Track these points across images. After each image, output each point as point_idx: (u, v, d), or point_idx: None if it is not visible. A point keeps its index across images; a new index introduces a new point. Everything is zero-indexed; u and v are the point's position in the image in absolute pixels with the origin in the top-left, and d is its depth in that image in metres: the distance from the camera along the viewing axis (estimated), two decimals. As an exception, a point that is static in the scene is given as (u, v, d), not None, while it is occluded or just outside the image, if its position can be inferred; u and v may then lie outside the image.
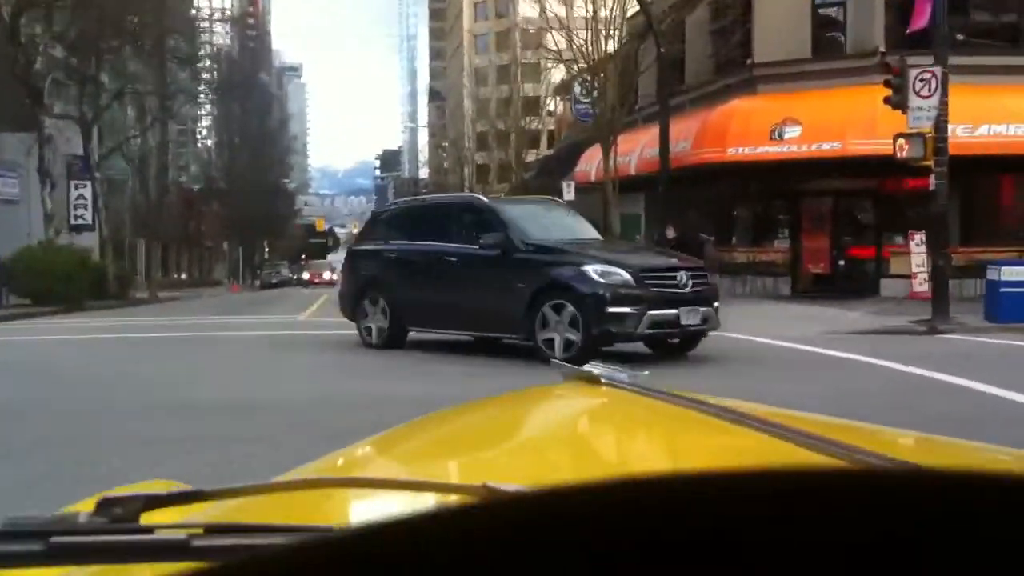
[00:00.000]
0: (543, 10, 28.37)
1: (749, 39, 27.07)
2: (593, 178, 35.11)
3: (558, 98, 45.01)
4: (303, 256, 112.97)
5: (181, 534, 0.82)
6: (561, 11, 35.97)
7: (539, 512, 0.56)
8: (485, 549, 0.53)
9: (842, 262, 26.02)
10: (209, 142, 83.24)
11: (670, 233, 21.38)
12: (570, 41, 26.97)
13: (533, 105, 73.49)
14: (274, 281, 72.96)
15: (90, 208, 44.75)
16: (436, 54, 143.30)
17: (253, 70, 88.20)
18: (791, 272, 26.66)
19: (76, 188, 44.35)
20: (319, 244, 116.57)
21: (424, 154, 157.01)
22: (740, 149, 24.93)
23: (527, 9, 60.34)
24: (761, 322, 16.88)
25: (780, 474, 0.56)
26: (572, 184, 29.47)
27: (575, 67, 27.72)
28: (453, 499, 1.05)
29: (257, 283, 74.41)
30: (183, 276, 79.61)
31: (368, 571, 0.50)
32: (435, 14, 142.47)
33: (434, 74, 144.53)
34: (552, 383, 2.11)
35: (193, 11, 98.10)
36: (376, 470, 1.67)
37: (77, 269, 29.70)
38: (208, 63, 76.54)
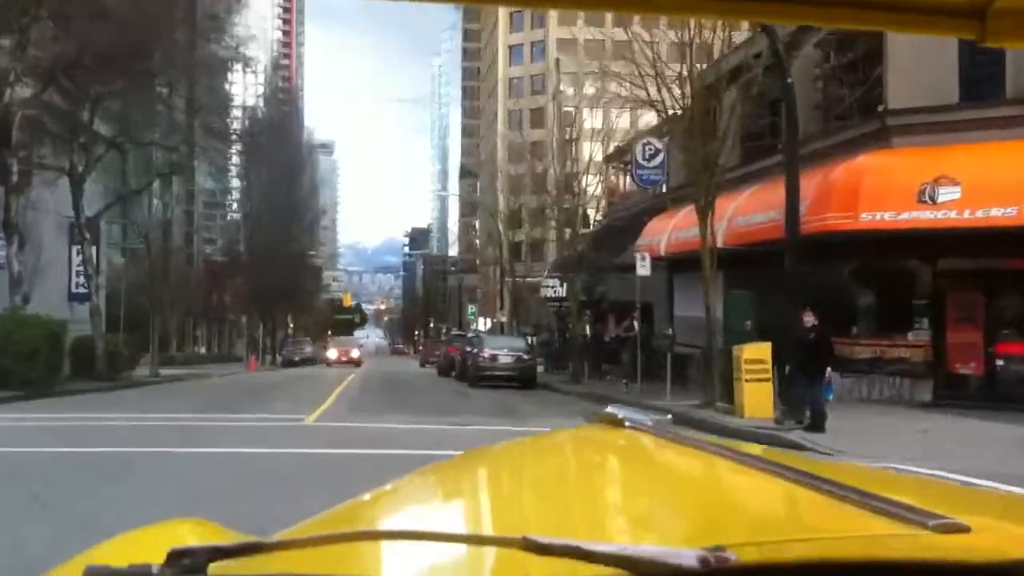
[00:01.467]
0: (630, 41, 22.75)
1: (878, 83, 21.33)
2: (663, 252, 29.26)
3: (608, 167, 39.59)
4: (328, 332, 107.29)
5: None
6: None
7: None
8: None
9: (1000, 362, 19.89)
10: (237, 214, 78.18)
11: (808, 320, 15.38)
12: (657, 78, 21.13)
13: (570, 182, 68.34)
14: (296, 359, 67.04)
15: (94, 275, 39.39)
16: (468, 132, 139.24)
17: (284, 139, 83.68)
18: (933, 371, 20.54)
19: (78, 253, 39.10)
20: (346, 320, 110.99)
21: (455, 232, 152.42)
22: (878, 215, 19.02)
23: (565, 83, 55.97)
24: (932, 444, 10.92)
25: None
26: (647, 257, 23.57)
27: (660, 108, 21.82)
28: (491, 550, 1.13)
29: (279, 360, 68.65)
30: (203, 350, 73.89)
31: None
32: (468, 92, 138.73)
33: (466, 151, 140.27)
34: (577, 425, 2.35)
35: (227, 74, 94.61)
36: (411, 517, 1.67)
37: (45, 344, 23.89)
38: (233, 115, 72.37)
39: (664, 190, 32.85)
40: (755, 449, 1.81)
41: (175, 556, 1.03)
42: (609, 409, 2.07)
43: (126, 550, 1.24)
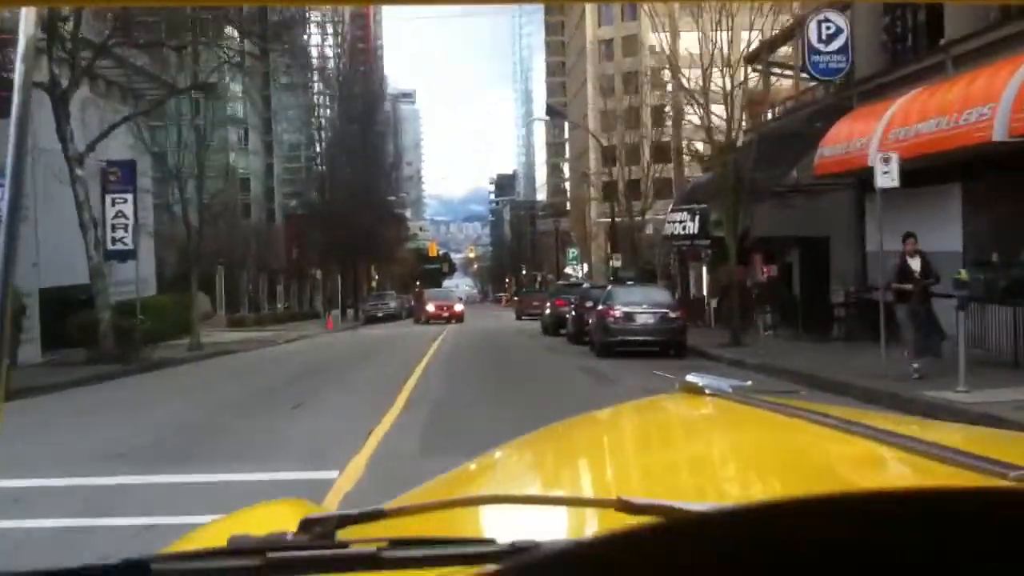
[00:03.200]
0: None
1: None
2: (855, 165, 20.46)
3: (746, 68, 30.21)
4: (416, 283, 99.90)
5: (372, 547, 0.92)
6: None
7: (719, 533, 0.64)
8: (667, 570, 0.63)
9: None
10: (321, 168, 70.32)
11: None
12: None
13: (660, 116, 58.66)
14: (380, 315, 59.35)
15: (130, 230, 32.16)
16: (552, 70, 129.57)
17: (362, 84, 75.56)
18: None
19: (114, 204, 31.83)
20: (433, 270, 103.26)
21: (543, 176, 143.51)
22: None
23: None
24: None
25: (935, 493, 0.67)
26: (893, 160, 14.62)
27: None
28: (590, 512, 1.21)
29: (361, 316, 61.16)
30: (281, 308, 66.86)
31: None
32: (551, 28, 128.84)
33: (551, 91, 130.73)
34: (657, 394, 2.22)
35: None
36: (512, 483, 1.75)
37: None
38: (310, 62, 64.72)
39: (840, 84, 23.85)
40: (841, 411, 1.73)
41: (307, 524, 1.07)
42: (690, 377, 2.04)
43: (236, 527, 1.24)
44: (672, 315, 21.21)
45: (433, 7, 1.12)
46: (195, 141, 33.94)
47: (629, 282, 33.46)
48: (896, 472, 1.38)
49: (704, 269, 41.79)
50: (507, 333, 36.69)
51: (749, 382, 2.04)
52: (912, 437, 1.36)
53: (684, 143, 43.32)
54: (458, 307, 53.17)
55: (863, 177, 21.77)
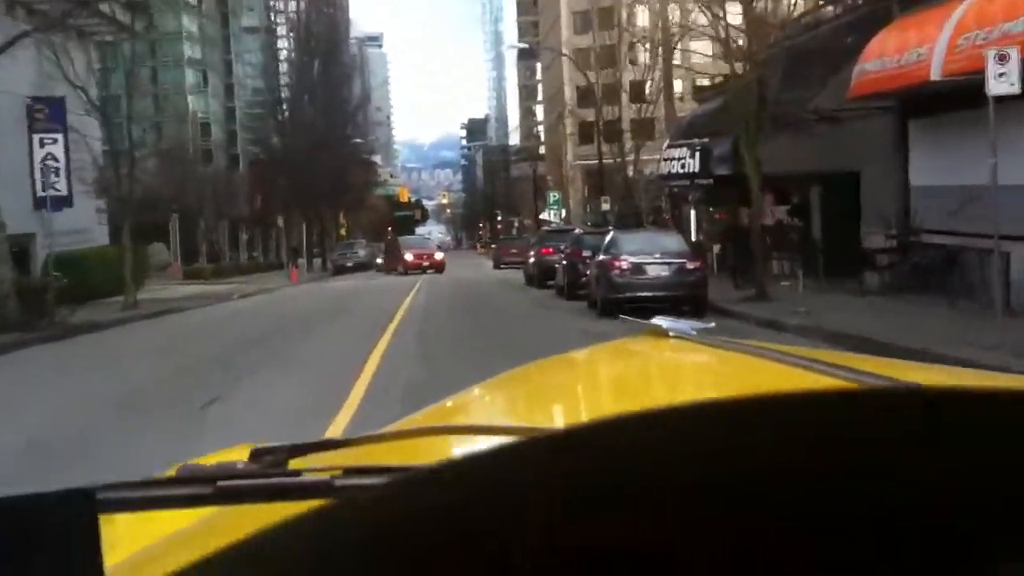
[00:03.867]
0: None
1: None
2: (911, 80, 16.83)
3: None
4: (388, 231, 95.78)
5: (324, 476, 0.93)
6: None
7: (573, 444, 0.69)
8: (535, 477, 0.67)
9: None
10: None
11: None
12: None
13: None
14: (349, 264, 55.38)
15: (62, 174, 28.52)
16: (524, 9, 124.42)
17: (328, 31, 70.41)
18: None
19: (43, 144, 28.05)
20: (405, 217, 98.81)
21: (515, 120, 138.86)
22: None
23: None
24: None
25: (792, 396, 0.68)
26: (1013, 57, 10.87)
27: None
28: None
29: (330, 267, 57.22)
30: (243, 258, 62.75)
31: (447, 499, 0.66)
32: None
33: (523, 31, 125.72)
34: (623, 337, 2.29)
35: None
36: (477, 418, 1.80)
37: None
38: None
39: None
40: (802, 351, 1.69)
41: (258, 453, 1.08)
42: (655, 320, 2.09)
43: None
44: (689, 266, 17.55)
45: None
46: (125, 70, 29.51)
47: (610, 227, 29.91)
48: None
49: (692, 212, 38.26)
50: (487, 285, 33.00)
51: (712, 324, 2.10)
52: (852, 367, 1.33)
53: (679, 71, 39.30)
54: (438, 255, 48.90)
55: (911, 97, 18.23)
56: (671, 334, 1.96)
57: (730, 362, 1.78)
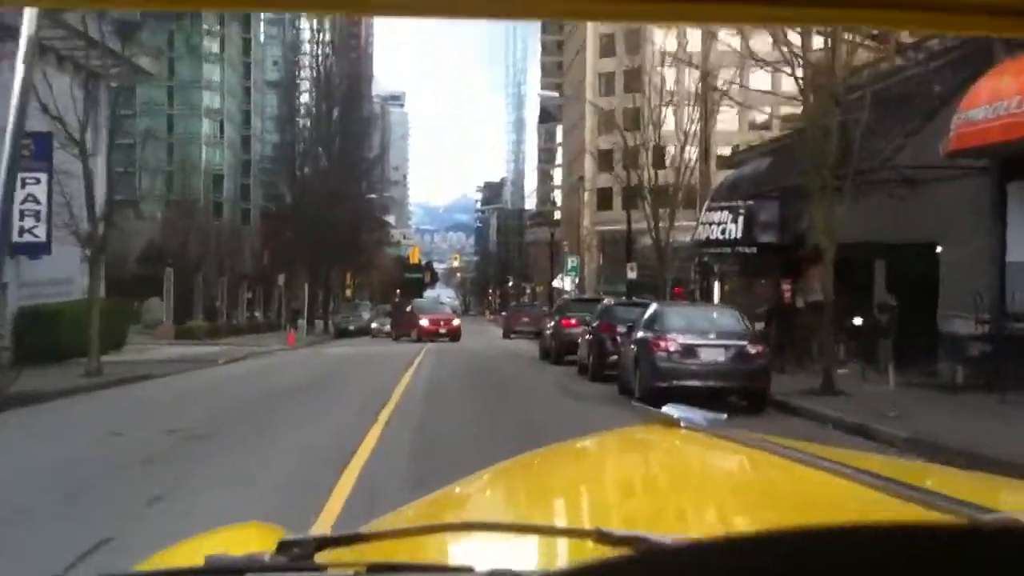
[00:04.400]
0: None
1: None
2: (1004, 137, 13.83)
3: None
4: (397, 292, 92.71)
5: (349, 571, 0.91)
6: None
7: (691, 565, 0.66)
8: None
9: None
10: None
11: None
12: None
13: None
14: (351, 327, 52.34)
15: (42, 218, 26.08)
16: (548, 71, 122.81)
17: (351, 88, 67.94)
18: None
19: (24, 185, 25.51)
20: (415, 280, 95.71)
21: (532, 184, 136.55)
22: None
23: None
24: None
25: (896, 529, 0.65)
26: None
27: None
28: (569, 542, 1.22)
29: (331, 329, 54.11)
30: (243, 317, 59.69)
31: None
32: (548, 27, 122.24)
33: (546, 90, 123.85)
34: (634, 425, 2.15)
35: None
36: (490, 510, 1.73)
37: None
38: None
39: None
40: (816, 448, 1.72)
41: (286, 545, 1.06)
42: (665, 409, 2.02)
43: (208, 547, 1.26)
44: (751, 350, 14.25)
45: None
46: (106, 102, 26.76)
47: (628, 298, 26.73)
48: (866, 510, 1.33)
49: (716, 284, 35.04)
50: (497, 358, 29.67)
51: (724, 416, 1.98)
52: (882, 476, 1.33)
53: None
54: (455, 321, 45.29)
55: (1015, 155, 15.13)
56: (682, 424, 1.87)
57: (747, 459, 1.68)
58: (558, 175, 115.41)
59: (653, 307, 16.45)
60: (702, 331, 14.50)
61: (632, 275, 33.64)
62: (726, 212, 25.91)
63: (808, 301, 26.17)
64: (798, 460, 1.52)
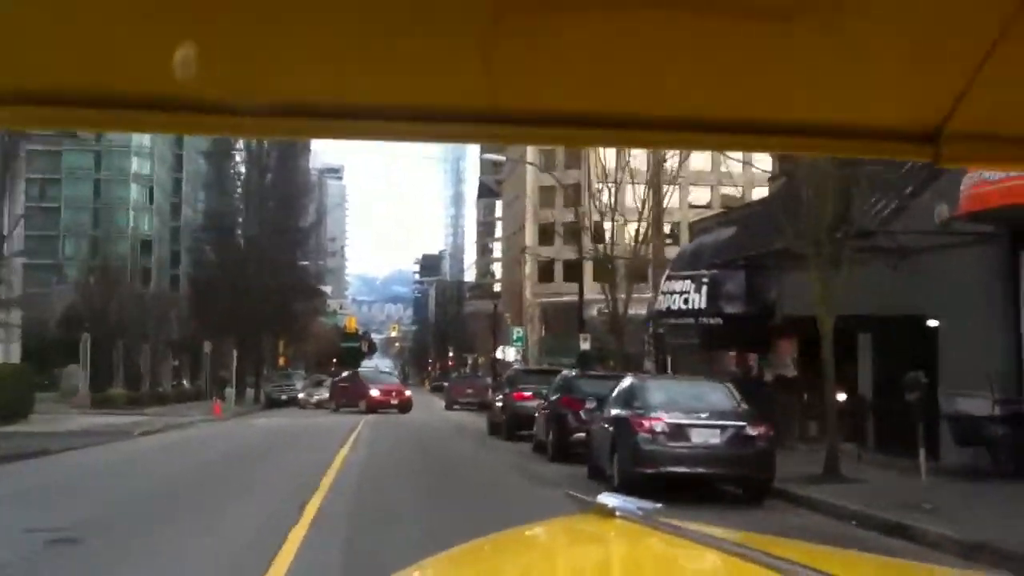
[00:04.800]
0: None
1: None
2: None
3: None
4: (334, 361, 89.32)
5: None
6: None
7: None
8: None
9: None
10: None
11: None
12: None
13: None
14: (283, 398, 49.25)
15: None
16: (487, 148, 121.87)
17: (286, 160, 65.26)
18: None
19: None
20: (352, 349, 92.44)
21: (470, 257, 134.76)
22: None
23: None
24: None
25: None
26: None
27: None
28: None
29: (262, 399, 50.86)
30: (168, 386, 56.17)
31: None
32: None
33: (484, 168, 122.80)
34: (569, 514, 2.08)
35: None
36: None
37: None
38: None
39: None
40: (756, 541, 1.69)
41: None
42: (600, 498, 1.95)
43: None
44: (751, 431, 12.00)
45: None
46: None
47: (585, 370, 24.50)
48: None
49: (669, 359, 33.03)
50: (441, 432, 27.10)
51: (659, 505, 1.91)
52: (817, 570, 1.31)
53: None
54: (407, 392, 42.56)
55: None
56: (617, 514, 1.83)
57: (682, 552, 1.66)
58: (497, 248, 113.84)
59: (629, 380, 14.19)
60: (691, 409, 12.27)
61: (585, 346, 31.44)
62: (688, 281, 23.95)
63: (777, 375, 24.25)
64: (732, 553, 1.46)
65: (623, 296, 28.53)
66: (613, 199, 31.68)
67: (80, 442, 22.67)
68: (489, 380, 53.33)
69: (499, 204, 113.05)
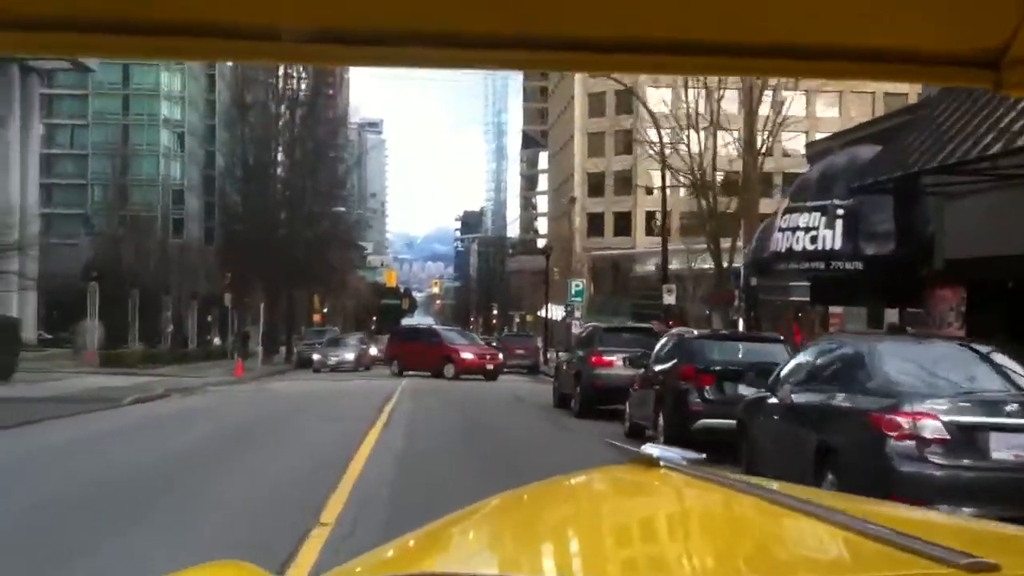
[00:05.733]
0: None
1: None
2: None
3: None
4: (373, 319, 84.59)
5: None
6: None
7: None
8: None
9: None
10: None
11: None
12: None
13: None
14: (320, 359, 43.46)
15: None
16: (530, 96, 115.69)
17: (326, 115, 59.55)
18: None
19: None
20: (392, 306, 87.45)
21: (513, 212, 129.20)
22: None
23: None
24: None
25: None
26: None
27: None
28: None
29: (293, 358, 45.90)
30: (196, 343, 51.58)
31: None
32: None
33: (528, 118, 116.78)
34: (612, 464, 2.05)
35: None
36: (465, 558, 1.67)
37: None
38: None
39: None
40: (796, 490, 1.78)
41: None
42: (644, 448, 2.00)
43: None
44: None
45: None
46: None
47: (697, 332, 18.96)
48: (847, 557, 1.35)
49: (740, 320, 27.51)
50: (492, 405, 21.67)
51: (703, 455, 1.97)
52: (862, 519, 1.34)
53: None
54: (501, 356, 36.08)
55: None
56: (661, 464, 1.83)
57: (726, 500, 1.68)
58: (542, 202, 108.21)
59: (829, 343, 8.68)
60: (978, 398, 6.73)
61: (670, 299, 25.72)
62: (815, 214, 18.27)
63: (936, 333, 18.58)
64: (776, 501, 1.51)
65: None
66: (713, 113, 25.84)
67: (47, 412, 17.74)
68: (540, 340, 47.92)
69: (543, 156, 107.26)
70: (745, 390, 11.26)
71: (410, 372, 33.54)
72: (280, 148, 54.97)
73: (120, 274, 44.66)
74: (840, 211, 17.87)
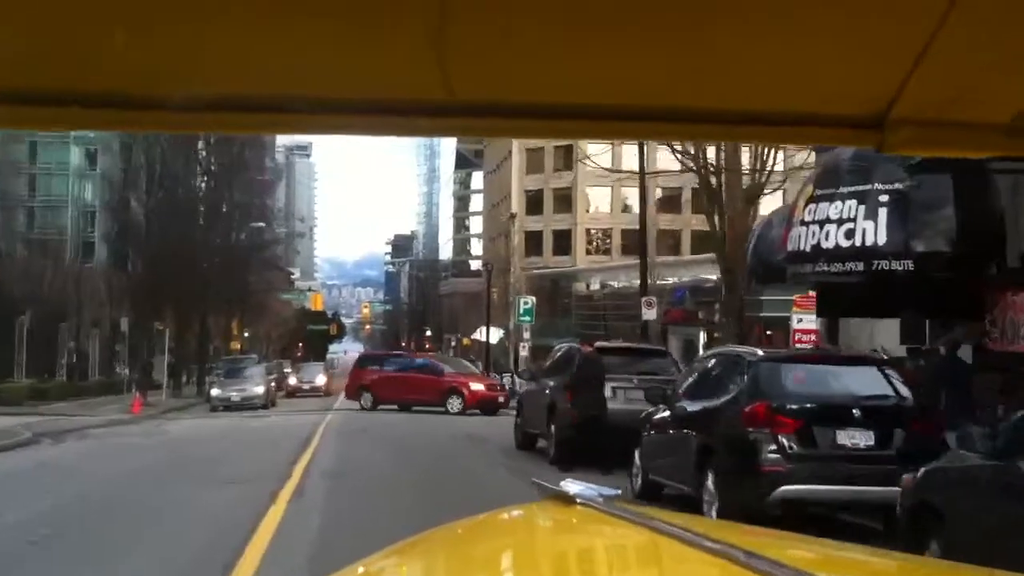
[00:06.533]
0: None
1: None
2: None
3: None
4: (299, 345, 79.17)
5: None
6: None
7: None
8: None
9: None
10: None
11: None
12: None
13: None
14: (214, 392, 37.10)
15: None
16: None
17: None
18: None
19: None
20: (319, 331, 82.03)
21: (444, 234, 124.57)
22: None
23: None
24: None
25: None
26: None
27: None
28: None
29: (206, 390, 40.50)
30: (95, 374, 45.97)
31: None
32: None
33: (462, 140, 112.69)
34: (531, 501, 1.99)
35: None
36: None
37: None
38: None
39: None
40: (713, 529, 1.65)
41: None
42: (563, 484, 1.86)
43: None
44: None
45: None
46: None
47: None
48: None
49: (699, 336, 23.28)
50: (444, 448, 17.08)
51: (619, 491, 1.89)
52: (774, 560, 1.27)
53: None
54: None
55: None
56: (578, 501, 1.79)
57: (648, 545, 1.63)
58: (475, 223, 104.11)
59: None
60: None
61: (650, 314, 21.34)
62: (852, 203, 14.18)
63: (1009, 351, 14.65)
64: (690, 542, 1.45)
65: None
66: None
67: None
68: (480, 366, 43.28)
69: (477, 176, 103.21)
70: (857, 437, 7.06)
71: (386, 406, 28.07)
72: (199, 161, 49.99)
73: (8, 298, 39.12)
74: (884, 197, 13.88)
